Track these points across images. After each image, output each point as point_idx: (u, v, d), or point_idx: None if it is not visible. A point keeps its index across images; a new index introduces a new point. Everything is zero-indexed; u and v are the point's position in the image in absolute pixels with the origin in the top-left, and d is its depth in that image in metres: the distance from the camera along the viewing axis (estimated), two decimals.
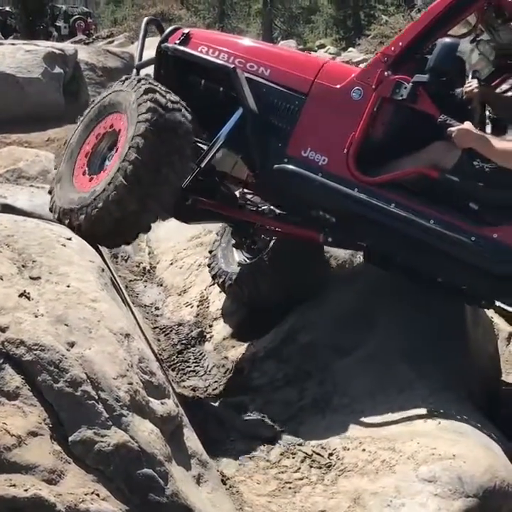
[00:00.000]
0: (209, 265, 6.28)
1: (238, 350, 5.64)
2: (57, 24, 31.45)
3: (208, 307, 6.40)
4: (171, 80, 4.99)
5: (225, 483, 3.62)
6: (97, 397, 2.72)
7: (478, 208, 4.27)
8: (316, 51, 24.97)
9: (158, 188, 4.19)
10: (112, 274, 4.20)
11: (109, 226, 4.08)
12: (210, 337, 5.99)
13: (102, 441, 2.63)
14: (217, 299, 6.38)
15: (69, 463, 2.55)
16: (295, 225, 5.04)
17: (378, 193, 4.38)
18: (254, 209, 5.56)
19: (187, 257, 7.10)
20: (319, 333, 5.33)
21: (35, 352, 2.67)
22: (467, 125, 4.17)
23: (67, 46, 14.24)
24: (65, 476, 2.49)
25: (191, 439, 3.34)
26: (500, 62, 5.23)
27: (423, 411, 4.25)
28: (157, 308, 6.64)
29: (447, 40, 4.26)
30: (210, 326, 6.12)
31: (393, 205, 4.34)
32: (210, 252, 6.41)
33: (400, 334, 4.94)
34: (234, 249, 6.15)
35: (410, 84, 4.29)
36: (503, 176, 4.22)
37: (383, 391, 4.55)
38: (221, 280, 6.03)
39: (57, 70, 12.29)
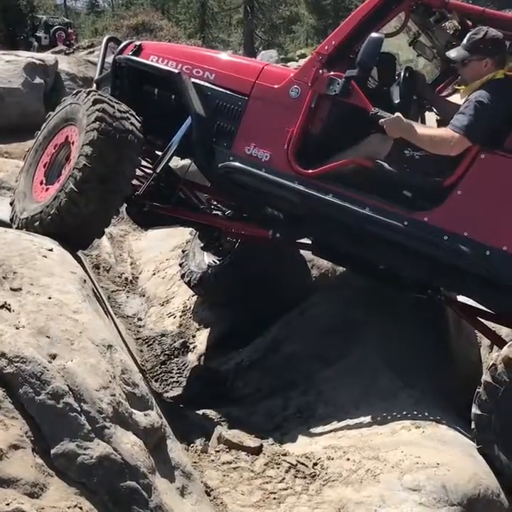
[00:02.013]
0: (180, 265, 6.42)
1: (222, 360, 5.62)
2: (38, 34, 31.33)
3: (190, 317, 6.39)
4: (127, 90, 5.22)
5: (209, 495, 3.59)
6: (79, 410, 2.69)
7: (410, 194, 4.44)
8: (297, 61, 25.01)
9: (108, 193, 4.34)
10: (94, 285, 4.18)
11: (63, 229, 4.18)
12: (194, 347, 5.98)
13: (84, 454, 2.61)
14: (201, 309, 6.37)
15: (51, 476, 2.52)
16: (246, 224, 5.30)
17: (317, 185, 4.55)
18: (209, 211, 5.84)
19: (169, 267, 7.09)
20: (303, 342, 5.33)
21: (16, 364, 2.64)
22: (396, 115, 4.31)
23: (48, 56, 14.22)
24: (47, 489, 2.46)
25: (175, 451, 3.32)
26: (443, 66, 5.37)
27: (407, 420, 4.24)
28: (140, 319, 6.63)
29: (373, 34, 4.36)
30: (194, 337, 6.11)
31: (331, 195, 4.51)
32: (183, 251, 6.62)
33: (384, 344, 4.95)
34: (203, 251, 6.34)
35: (342, 79, 4.44)
36: (431, 162, 4.40)
37: (367, 400, 4.55)
38: (187, 279, 6.29)
39: (38, 80, 12.29)
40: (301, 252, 6.16)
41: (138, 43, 5.46)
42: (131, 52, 5.31)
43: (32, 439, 2.55)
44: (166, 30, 25.97)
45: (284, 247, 6.03)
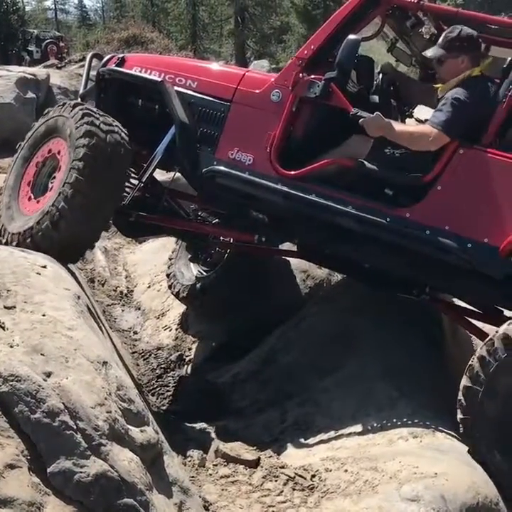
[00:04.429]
0: (167, 275, 6.48)
1: (218, 372, 5.61)
2: (30, 48, 31.43)
3: (186, 330, 6.38)
4: (111, 102, 5.29)
5: (207, 509, 3.57)
6: (75, 427, 2.67)
7: (391, 191, 4.52)
8: None
9: (100, 205, 4.39)
10: (89, 300, 4.17)
11: (56, 244, 4.21)
12: (190, 360, 5.97)
13: (81, 472, 2.58)
14: (196, 322, 6.36)
15: (48, 495, 2.49)
16: (232, 230, 5.39)
17: (300, 185, 4.62)
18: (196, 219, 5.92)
19: (164, 280, 7.08)
20: (300, 353, 5.33)
21: (11, 383, 2.62)
22: (376, 114, 4.38)
23: (40, 71, 14.24)
24: (44, 508, 2.44)
25: (172, 466, 3.30)
26: (422, 73, 5.47)
27: (404, 430, 4.24)
28: (135, 333, 6.62)
29: (350, 36, 4.45)
30: (190, 349, 6.11)
31: (314, 195, 4.58)
32: (170, 259, 6.67)
33: (381, 354, 4.94)
34: (190, 262, 6.42)
35: (322, 81, 4.53)
36: (411, 160, 4.47)
37: (364, 411, 4.54)
38: (176, 291, 6.37)
39: (30, 94, 12.30)
40: (294, 264, 6.21)
41: (121, 55, 5.55)
42: (114, 65, 5.39)
43: (28, 458, 2.52)
44: (157, 43, 25.96)
45: (271, 255, 6.09)
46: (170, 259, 6.63)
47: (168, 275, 6.51)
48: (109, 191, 4.46)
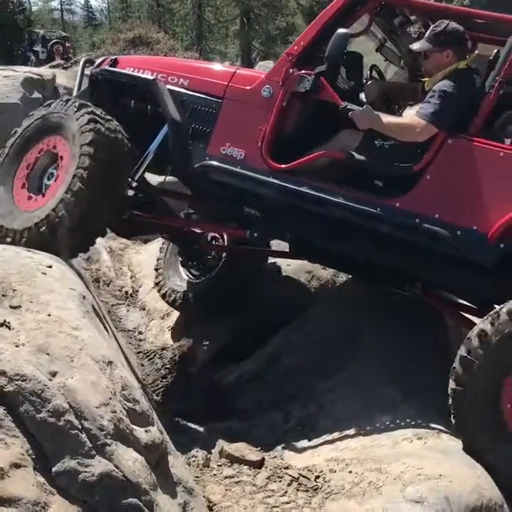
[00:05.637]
0: (163, 295, 6.46)
1: (223, 373, 5.62)
2: (36, 49, 31.36)
3: (191, 330, 6.38)
4: (104, 103, 5.27)
5: (211, 510, 3.58)
6: (80, 427, 2.67)
7: (382, 181, 4.59)
8: None
9: (112, 191, 4.51)
10: (95, 300, 4.18)
11: (71, 234, 4.28)
12: (194, 361, 5.96)
13: (85, 472, 2.59)
14: (201, 323, 6.36)
15: (53, 494, 2.50)
16: (224, 226, 5.50)
17: (291, 178, 4.69)
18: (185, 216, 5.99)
19: None
20: (303, 354, 5.33)
21: (16, 382, 2.62)
22: (365, 107, 4.46)
23: (46, 71, 14.24)
24: (49, 508, 2.44)
25: (176, 466, 3.31)
26: (410, 74, 5.53)
27: (409, 431, 4.24)
28: (140, 333, 6.62)
29: (340, 30, 4.48)
30: (194, 350, 6.10)
31: (305, 187, 4.64)
32: (157, 284, 6.60)
33: (384, 355, 4.95)
34: (180, 266, 6.44)
35: (312, 76, 4.59)
36: (401, 151, 4.53)
37: (368, 412, 4.54)
38: (181, 302, 6.34)
39: (36, 95, 12.28)
40: (298, 265, 6.20)
41: (113, 57, 5.61)
42: (107, 66, 5.45)
43: (33, 457, 2.53)
44: (162, 43, 25.94)
45: (266, 256, 6.17)
46: (157, 284, 6.57)
47: (163, 295, 6.44)
48: (118, 175, 4.60)
